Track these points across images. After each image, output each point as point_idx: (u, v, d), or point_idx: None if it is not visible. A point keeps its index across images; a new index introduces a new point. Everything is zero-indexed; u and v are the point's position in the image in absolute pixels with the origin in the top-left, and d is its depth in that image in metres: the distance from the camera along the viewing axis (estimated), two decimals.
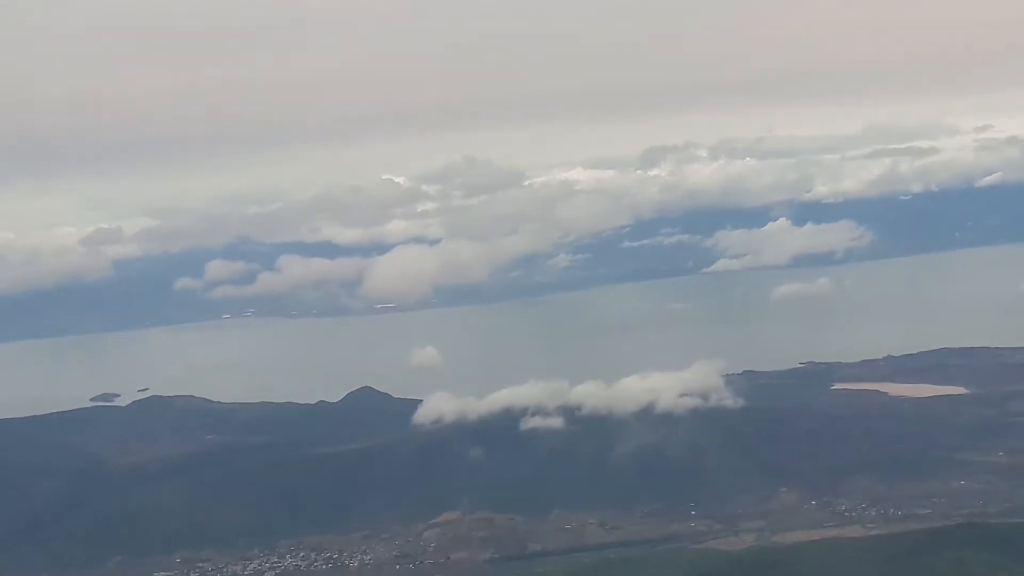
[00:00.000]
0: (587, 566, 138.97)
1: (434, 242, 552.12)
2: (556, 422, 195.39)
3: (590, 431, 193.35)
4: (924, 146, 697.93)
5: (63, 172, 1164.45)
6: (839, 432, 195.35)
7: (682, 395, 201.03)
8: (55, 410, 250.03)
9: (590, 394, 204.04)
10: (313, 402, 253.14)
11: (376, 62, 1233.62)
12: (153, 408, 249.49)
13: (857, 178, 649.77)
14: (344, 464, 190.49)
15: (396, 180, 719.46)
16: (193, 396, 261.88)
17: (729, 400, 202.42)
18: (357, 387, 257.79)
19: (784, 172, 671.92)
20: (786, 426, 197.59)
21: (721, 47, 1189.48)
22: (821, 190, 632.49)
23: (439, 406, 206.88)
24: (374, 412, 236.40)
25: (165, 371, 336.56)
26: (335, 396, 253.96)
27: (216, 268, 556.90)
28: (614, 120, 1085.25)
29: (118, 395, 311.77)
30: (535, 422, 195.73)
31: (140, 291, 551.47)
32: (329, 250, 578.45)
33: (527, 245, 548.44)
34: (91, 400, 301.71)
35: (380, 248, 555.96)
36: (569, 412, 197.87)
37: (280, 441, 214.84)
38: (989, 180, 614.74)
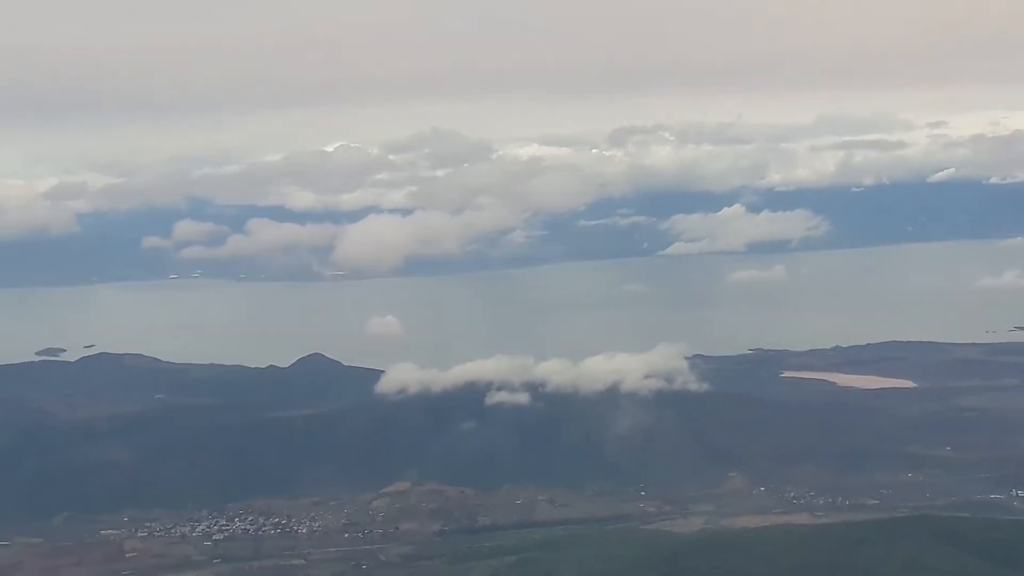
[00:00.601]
0: (535, 542, 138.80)
1: (403, 211, 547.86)
2: (521, 397, 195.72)
3: (550, 408, 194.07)
4: (878, 139, 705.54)
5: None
6: (788, 420, 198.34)
7: (646, 377, 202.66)
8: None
9: (555, 371, 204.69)
10: (263, 366, 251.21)
11: (344, 28, 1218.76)
12: (101, 365, 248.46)
13: (811, 168, 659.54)
14: (293, 429, 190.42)
15: (365, 148, 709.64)
16: (142, 354, 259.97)
17: (684, 384, 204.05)
18: (308, 353, 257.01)
19: (739, 159, 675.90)
20: (736, 412, 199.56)
21: (694, 31, 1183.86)
22: (775, 178, 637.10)
23: (399, 376, 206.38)
24: (324, 379, 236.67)
25: (116, 329, 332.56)
26: (286, 361, 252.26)
27: (185, 228, 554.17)
28: (586, 98, 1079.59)
29: (64, 350, 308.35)
30: (500, 396, 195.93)
31: (104, 247, 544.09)
32: (299, 216, 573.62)
33: (493, 219, 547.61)
34: (36, 354, 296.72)
35: (349, 216, 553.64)
36: (533, 388, 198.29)
37: (229, 403, 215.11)
38: (941, 176, 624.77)
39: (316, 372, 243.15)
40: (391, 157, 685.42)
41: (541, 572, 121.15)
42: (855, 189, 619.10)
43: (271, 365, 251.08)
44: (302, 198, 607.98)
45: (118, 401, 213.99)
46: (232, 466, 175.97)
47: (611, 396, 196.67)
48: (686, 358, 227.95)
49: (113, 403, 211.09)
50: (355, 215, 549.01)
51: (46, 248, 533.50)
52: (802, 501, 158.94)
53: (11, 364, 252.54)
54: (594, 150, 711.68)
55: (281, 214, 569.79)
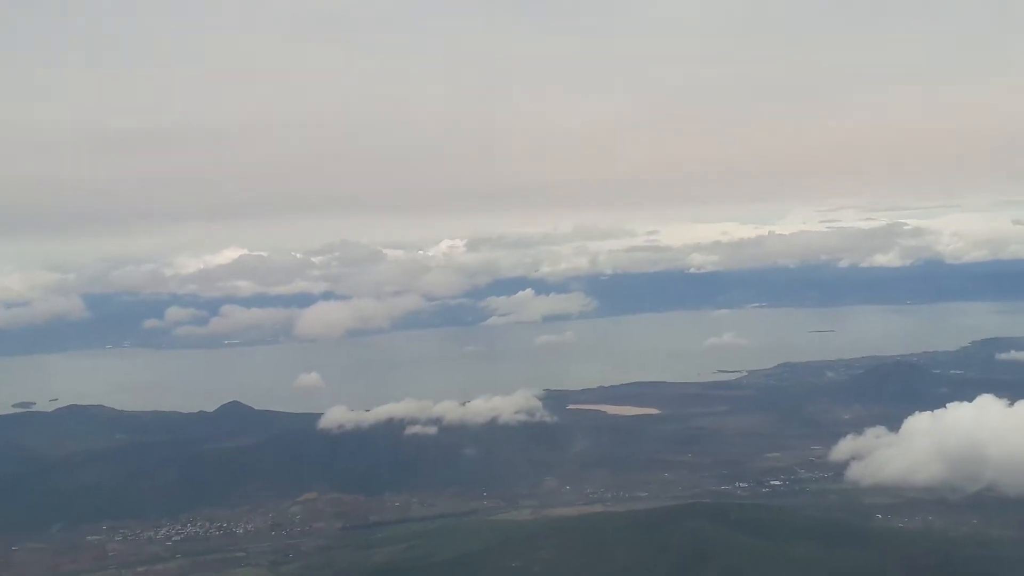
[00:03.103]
0: (413, 532, 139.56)
1: (333, 298, 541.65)
2: (431, 429, 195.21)
3: (443, 436, 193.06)
4: (616, 242, 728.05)
5: None
6: (577, 438, 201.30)
7: (516, 412, 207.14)
8: None
9: (448, 409, 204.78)
10: (194, 411, 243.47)
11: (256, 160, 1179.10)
12: (70, 414, 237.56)
13: (571, 263, 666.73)
14: (224, 457, 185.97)
15: (293, 253, 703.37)
16: (103, 405, 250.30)
17: (511, 416, 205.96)
18: (228, 400, 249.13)
19: (523, 258, 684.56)
20: (544, 434, 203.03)
21: (484, 167, 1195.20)
22: (546, 271, 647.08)
23: (334, 415, 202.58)
24: (239, 420, 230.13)
25: (77, 387, 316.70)
26: (212, 407, 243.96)
27: (173, 312, 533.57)
28: (411, 215, 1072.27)
29: (34, 403, 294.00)
30: (415, 429, 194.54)
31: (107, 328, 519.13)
32: (252, 301, 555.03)
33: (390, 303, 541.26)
34: (12, 407, 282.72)
35: (288, 301, 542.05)
36: (437, 422, 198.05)
37: (173, 439, 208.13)
38: (656, 268, 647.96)
39: (234, 415, 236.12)
40: (313, 259, 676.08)
41: (424, 554, 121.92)
42: (602, 277, 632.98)
43: (201, 410, 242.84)
44: (252, 288, 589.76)
45: (88, 440, 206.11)
46: (181, 486, 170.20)
47: (489, 426, 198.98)
48: (538, 397, 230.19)
49: (85, 442, 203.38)
50: (297, 301, 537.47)
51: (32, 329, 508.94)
52: (596, 495, 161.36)
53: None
54: (418, 251, 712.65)
55: (243, 301, 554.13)
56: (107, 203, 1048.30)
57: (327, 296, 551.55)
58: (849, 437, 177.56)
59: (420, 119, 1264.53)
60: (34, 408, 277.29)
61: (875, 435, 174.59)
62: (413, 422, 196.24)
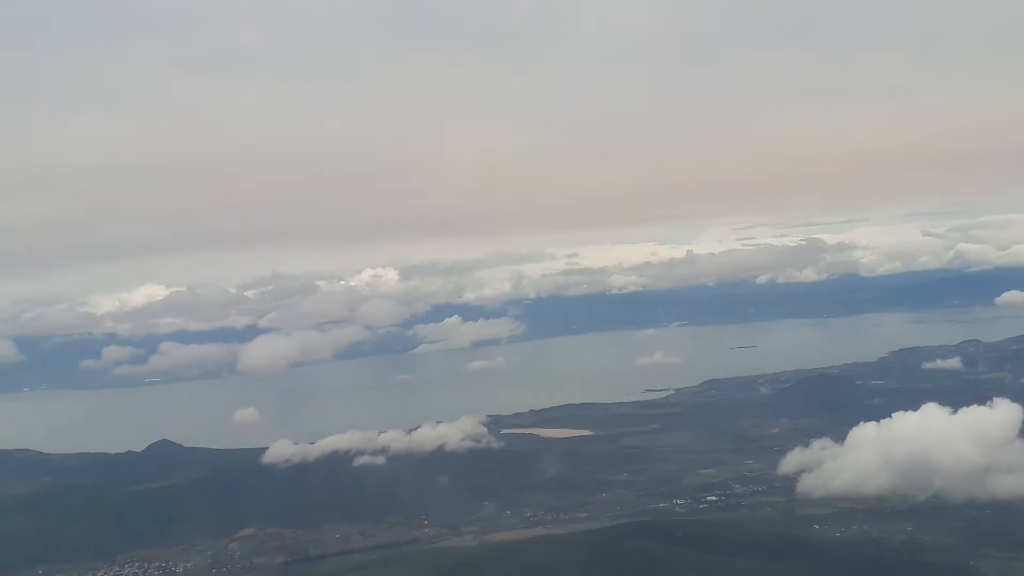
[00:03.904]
0: (356, 564, 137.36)
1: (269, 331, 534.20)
2: (379, 459, 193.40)
3: (391, 465, 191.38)
4: (534, 268, 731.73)
5: None
6: (514, 463, 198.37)
7: (462, 439, 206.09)
8: None
9: (393, 439, 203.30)
10: (123, 451, 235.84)
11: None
12: None
13: (494, 288, 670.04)
14: (156, 497, 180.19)
15: (225, 287, 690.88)
16: (27, 449, 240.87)
17: (458, 443, 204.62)
18: (156, 439, 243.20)
19: (446, 284, 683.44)
20: (483, 460, 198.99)
21: (403, 197, 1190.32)
22: (470, 296, 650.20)
23: (278, 450, 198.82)
24: (169, 458, 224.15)
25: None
26: (141, 447, 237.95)
27: (111, 352, 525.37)
28: (330, 247, 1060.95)
29: None
30: (364, 460, 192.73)
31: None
32: (192, 337, 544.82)
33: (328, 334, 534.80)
34: None
35: (227, 335, 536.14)
36: (383, 452, 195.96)
37: (101, 481, 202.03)
38: (579, 290, 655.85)
39: (163, 453, 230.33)
40: (246, 293, 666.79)
41: None
42: (527, 300, 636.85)
43: (129, 450, 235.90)
44: (186, 324, 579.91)
45: (14, 485, 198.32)
46: (114, 526, 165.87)
47: (437, 454, 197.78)
48: (482, 423, 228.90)
49: (10, 486, 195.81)
50: (236, 336, 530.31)
51: None
52: (535, 518, 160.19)
53: None
54: (341, 282, 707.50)
55: (181, 337, 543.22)
56: (8, 245, 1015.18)
57: (265, 330, 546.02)
58: (797, 450, 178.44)
59: (337, 150, 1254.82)
60: None
61: (820, 447, 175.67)
62: (360, 453, 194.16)
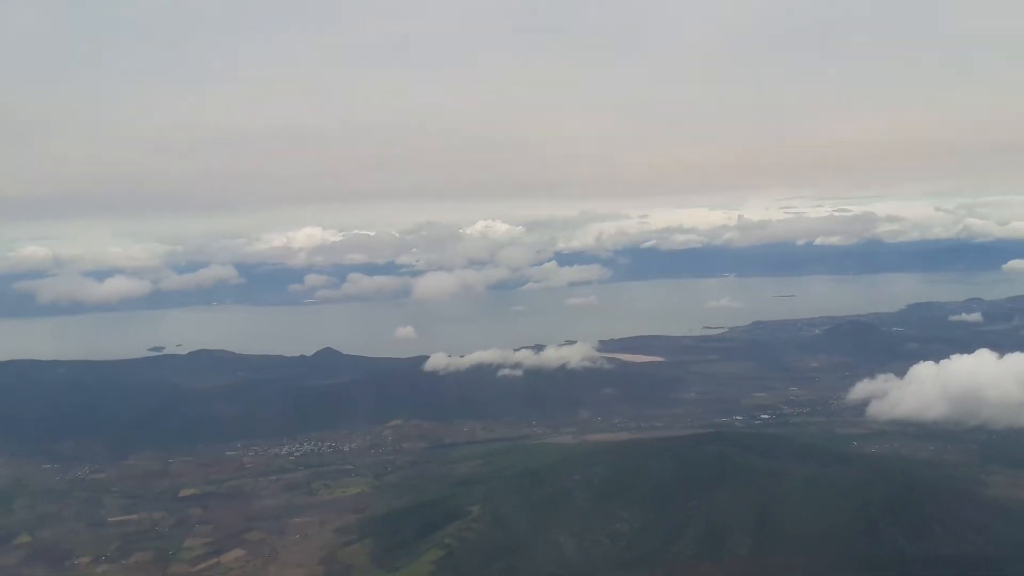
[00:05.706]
0: (483, 451, 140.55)
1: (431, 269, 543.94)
2: (517, 372, 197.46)
3: (526, 377, 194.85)
4: (611, 225, 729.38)
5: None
6: (603, 382, 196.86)
7: (582, 359, 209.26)
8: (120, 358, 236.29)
9: (526, 357, 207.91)
10: (296, 355, 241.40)
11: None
12: (201, 357, 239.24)
13: (582, 241, 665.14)
14: (324, 392, 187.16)
15: (393, 232, 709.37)
16: (225, 349, 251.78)
17: (577, 363, 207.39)
18: (322, 347, 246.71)
19: (543, 236, 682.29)
20: (569, 379, 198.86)
21: (508, 164, 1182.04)
22: (562, 246, 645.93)
23: (436, 360, 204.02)
24: (334, 362, 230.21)
25: (207, 336, 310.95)
26: (310, 352, 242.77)
27: (312, 278, 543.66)
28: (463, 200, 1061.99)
29: (163, 347, 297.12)
30: (505, 372, 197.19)
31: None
32: (371, 269, 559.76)
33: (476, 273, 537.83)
34: (148, 350, 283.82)
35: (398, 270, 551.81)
36: (519, 366, 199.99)
37: (282, 376, 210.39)
38: (649, 244, 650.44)
39: (330, 359, 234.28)
40: (407, 238, 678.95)
41: (498, 468, 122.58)
42: (607, 251, 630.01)
43: (301, 354, 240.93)
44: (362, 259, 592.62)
45: (218, 377, 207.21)
46: (295, 413, 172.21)
47: (561, 370, 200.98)
48: (595, 348, 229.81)
49: (215, 379, 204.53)
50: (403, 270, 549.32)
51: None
52: (621, 425, 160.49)
53: (135, 359, 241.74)
54: (459, 230, 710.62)
55: (364, 269, 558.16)
56: (200, 191, 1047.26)
57: (426, 268, 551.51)
58: (865, 380, 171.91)
59: (462, 127, 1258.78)
60: (163, 352, 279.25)
61: (883, 380, 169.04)
62: (501, 366, 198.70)
